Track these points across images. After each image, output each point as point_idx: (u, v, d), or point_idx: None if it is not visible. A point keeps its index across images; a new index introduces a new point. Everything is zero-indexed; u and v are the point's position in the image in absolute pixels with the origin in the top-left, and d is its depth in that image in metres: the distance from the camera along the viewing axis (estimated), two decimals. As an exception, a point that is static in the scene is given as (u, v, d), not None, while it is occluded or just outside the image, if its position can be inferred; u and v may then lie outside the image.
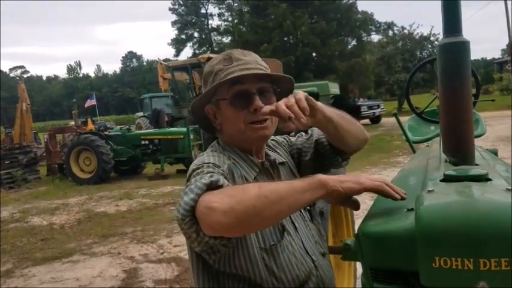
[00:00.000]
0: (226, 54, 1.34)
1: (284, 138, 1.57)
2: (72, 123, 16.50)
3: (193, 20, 54.64)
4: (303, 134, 1.55)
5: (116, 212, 7.82)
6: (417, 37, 33.59)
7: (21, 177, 12.36)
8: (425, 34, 33.67)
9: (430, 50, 33.18)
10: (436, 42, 33.70)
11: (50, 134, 13.61)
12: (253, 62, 1.33)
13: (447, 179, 1.10)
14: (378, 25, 43.89)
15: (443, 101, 1.35)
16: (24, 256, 5.62)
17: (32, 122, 17.83)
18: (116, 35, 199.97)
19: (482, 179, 1.07)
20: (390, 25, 39.99)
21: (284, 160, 1.47)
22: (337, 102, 19.02)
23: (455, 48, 1.33)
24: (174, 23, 54.99)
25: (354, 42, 28.97)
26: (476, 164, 1.35)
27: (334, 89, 17.45)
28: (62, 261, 5.37)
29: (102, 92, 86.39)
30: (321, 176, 1.07)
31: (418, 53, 33.50)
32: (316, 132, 1.51)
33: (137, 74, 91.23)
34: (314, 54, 26.78)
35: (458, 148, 1.35)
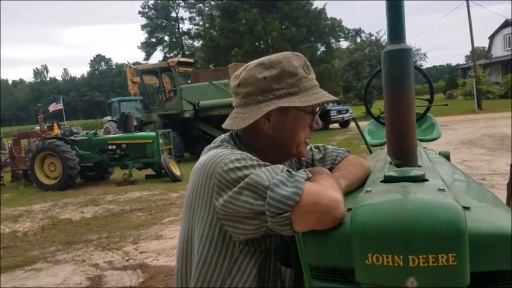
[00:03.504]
0: (304, 60, 1.31)
1: None
2: (38, 128, 16.11)
3: (163, 24, 54.30)
4: (316, 150, 1.52)
5: (80, 219, 7.65)
6: (384, 43, 34.35)
7: (-17, 184, 11.95)
8: (392, 40, 34.47)
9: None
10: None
11: (14, 139, 13.21)
12: None
13: (387, 180, 1.15)
14: (346, 32, 44.70)
15: (388, 106, 1.40)
16: (-16, 265, 5.45)
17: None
18: (83, 37, 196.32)
19: (419, 179, 1.11)
20: (358, 32, 40.79)
21: None
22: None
23: (398, 55, 1.38)
24: (144, 27, 54.52)
25: (323, 48, 29.37)
26: (419, 166, 1.40)
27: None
28: (24, 269, 5.23)
29: (70, 96, 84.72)
30: None
31: (386, 58, 34.24)
32: (329, 160, 1.48)
33: (106, 77, 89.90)
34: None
35: (401, 151, 1.40)
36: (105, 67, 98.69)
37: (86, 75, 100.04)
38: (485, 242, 0.89)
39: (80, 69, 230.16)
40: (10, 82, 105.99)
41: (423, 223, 0.88)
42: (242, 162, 1.12)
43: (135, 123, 16.69)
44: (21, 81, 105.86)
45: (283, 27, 27.09)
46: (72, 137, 12.05)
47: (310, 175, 1.11)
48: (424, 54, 35.61)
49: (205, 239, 1.17)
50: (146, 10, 54.77)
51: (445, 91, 44.41)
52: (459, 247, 0.86)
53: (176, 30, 54.20)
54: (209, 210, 1.16)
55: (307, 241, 1.04)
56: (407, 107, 1.39)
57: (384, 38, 35.76)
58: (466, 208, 0.99)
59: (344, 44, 39.54)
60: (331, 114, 23.77)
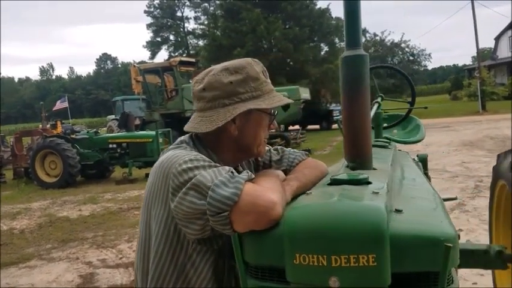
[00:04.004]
0: (262, 66, 1.38)
1: None
2: (47, 126, 16.24)
3: (168, 23, 54.41)
4: (275, 152, 1.56)
5: (78, 217, 7.72)
6: (388, 44, 34.33)
7: (-15, 182, 12.08)
8: (396, 41, 34.48)
9: (401, 56, 34.00)
10: (406, 49, 34.56)
11: (16, 137, 13.33)
12: None
13: (332, 182, 1.18)
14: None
15: (344, 110, 1.44)
16: (-21, 262, 5.52)
17: (3, 125, 17.48)
18: (89, 36, 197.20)
19: (363, 182, 1.15)
20: (363, 31, 40.64)
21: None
22: (308, 107, 19.25)
23: (355, 60, 1.41)
24: (149, 26, 54.68)
25: (326, 48, 29.33)
26: (374, 169, 1.43)
27: (305, 94, 17.65)
28: (18, 267, 5.30)
29: (76, 94, 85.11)
30: None
31: (389, 59, 34.22)
32: (286, 162, 1.52)
33: (112, 76, 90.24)
34: (288, 60, 26.99)
35: (356, 154, 1.43)
36: (111, 66, 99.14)
37: (91, 74, 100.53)
38: (408, 244, 0.92)
39: (86, 68, 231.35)
40: (16, 80, 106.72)
41: (346, 225, 0.91)
42: (195, 163, 1.17)
43: (137, 122, 16.80)
44: (27, 79, 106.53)
45: (287, 26, 27.08)
46: (73, 136, 12.15)
47: (253, 176, 1.15)
48: (429, 55, 35.48)
49: (160, 236, 1.22)
50: (152, 9, 54.99)
51: (450, 92, 44.27)
52: (379, 248, 0.90)
53: (181, 29, 54.39)
54: (165, 209, 1.20)
55: (246, 240, 1.08)
56: (363, 111, 1.42)
57: (389, 38, 35.86)
58: (398, 211, 1.02)
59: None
60: (334, 114, 23.78)
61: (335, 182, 1.17)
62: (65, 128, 14.63)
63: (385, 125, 3.30)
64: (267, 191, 1.09)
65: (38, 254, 5.73)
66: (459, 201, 6.67)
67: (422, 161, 2.52)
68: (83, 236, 6.45)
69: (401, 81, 32.96)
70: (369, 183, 1.15)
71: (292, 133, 16.64)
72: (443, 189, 7.57)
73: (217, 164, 1.19)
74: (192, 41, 48.89)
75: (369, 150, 1.44)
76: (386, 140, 2.42)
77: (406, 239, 0.93)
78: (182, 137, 1.38)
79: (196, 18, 49.61)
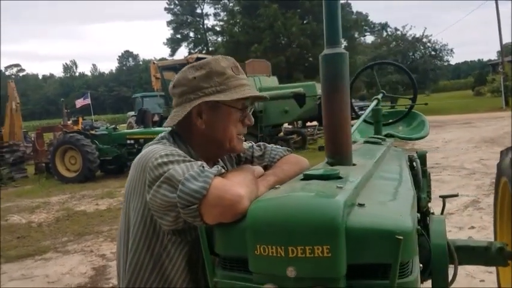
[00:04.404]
0: (232, 62, 1.39)
1: None
2: (68, 122, 16.57)
3: (188, 20, 54.73)
4: (257, 148, 1.60)
5: (94, 211, 7.90)
6: (410, 38, 33.80)
7: (7, 176, 12.43)
8: (417, 35, 33.94)
9: (422, 51, 33.43)
10: (428, 44, 33.98)
11: (37, 133, 13.69)
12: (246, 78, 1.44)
13: (305, 177, 1.21)
14: (372, 26, 44.08)
15: (324, 107, 1.46)
16: (-2, 253, 5.72)
17: (28, 121, 17.93)
18: (112, 34, 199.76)
19: (332, 177, 1.18)
20: (384, 26, 40.17)
21: (227, 168, 1.51)
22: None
23: (334, 58, 1.43)
24: (169, 23, 55.08)
25: (345, 43, 29.10)
26: (354, 164, 1.46)
27: (322, 89, 17.52)
28: (34, 259, 5.47)
29: (99, 91, 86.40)
30: None
31: (411, 53, 33.71)
32: (267, 158, 1.55)
33: (134, 73, 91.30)
34: (305, 55, 26.88)
35: (336, 151, 1.45)
36: (133, 63, 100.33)
37: (114, 71, 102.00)
38: (363, 237, 0.95)
39: (109, 65, 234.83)
40: (40, 77, 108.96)
41: (302, 217, 0.95)
42: (170, 157, 1.21)
43: (156, 118, 16.98)
44: (51, 75, 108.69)
45: (304, 22, 26.95)
46: (92, 132, 12.38)
47: (223, 171, 1.18)
48: (451, 50, 34.71)
49: (137, 227, 1.28)
50: (172, 6, 55.41)
51: (474, 87, 43.38)
52: (334, 240, 0.92)
53: (201, 26, 54.66)
54: (142, 201, 1.26)
55: (216, 232, 1.12)
56: (342, 108, 1.44)
57: (410, 32, 35.35)
58: (360, 205, 1.05)
59: (369, 39, 39.08)
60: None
61: (307, 177, 1.20)
62: (84, 124, 14.89)
63: (390, 120, 3.31)
64: (235, 185, 1.12)
65: (53, 247, 5.90)
66: (474, 199, 6.59)
67: (421, 158, 2.50)
68: (99, 230, 6.61)
69: (422, 76, 32.51)
70: (339, 178, 1.18)
71: (309, 129, 16.58)
72: (459, 186, 7.48)
73: (191, 159, 1.23)
74: (211, 37, 49.12)
75: (349, 146, 1.46)
76: (381, 137, 2.43)
77: (362, 231, 0.95)
78: (163, 133, 1.43)
79: (215, 15, 49.84)
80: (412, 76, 3.02)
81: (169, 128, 1.45)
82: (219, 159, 1.51)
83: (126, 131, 14.24)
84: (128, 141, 11.89)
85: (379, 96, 2.93)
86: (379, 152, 1.91)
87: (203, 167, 1.17)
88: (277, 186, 1.19)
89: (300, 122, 17.60)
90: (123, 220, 1.36)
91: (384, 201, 1.17)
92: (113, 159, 11.97)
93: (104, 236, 6.26)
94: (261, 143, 1.61)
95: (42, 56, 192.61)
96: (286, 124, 16.77)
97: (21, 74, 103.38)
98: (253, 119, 1.45)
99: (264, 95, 1.46)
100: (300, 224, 0.95)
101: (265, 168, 1.50)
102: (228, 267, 1.11)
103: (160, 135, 1.43)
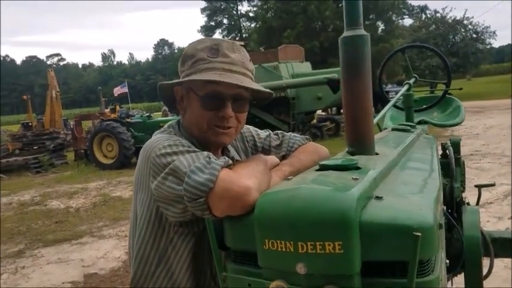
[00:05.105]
0: (214, 44, 1.27)
1: (252, 133, 1.53)
2: (106, 110, 17.01)
3: (222, 6, 54.61)
4: (275, 137, 1.51)
5: (130, 197, 8.06)
6: (450, 21, 32.53)
7: (48, 162, 12.88)
8: (458, 18, 32.63)
9: (463, 34, 32.13)
10: (469, 26, 32.60)
11: (76, 121, 14.09)
12: (239, 64, 1.27)
13: (321, 168, 1.15)
14: (410, 8, 42.71)
15: (344, 93, 1.38)
16: (37, 238, 5.93)
17: (69, 109, 18.53)
18: (148, 22, 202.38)
19: (351, 168, 1.11)
20: (423, 9, 38.82)
21: (240, 158, 1.47)
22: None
23: (354, 41, 1.35)
24: (203, 10, 55.17)
25: (382, 26, 28.30)
26: (377, 154, 1.38)
27: (357, 75, 17.15)
28: (71, 243, 5.65)
29: (136, 79, 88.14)
30: None
31: (451, 37, 32.48)
32: (285, 147, 1.47)
33: (169, 61, 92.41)
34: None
35: (357, 138, 1.37)
36: (168, 51, 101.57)
37: (150, 60, 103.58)
38: (379, 232, 0.88)
39: (145, 54, 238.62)
40: (80, 66, 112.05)
41: (312, 211, 0.89)
42: (174, 148, 1.16)
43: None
44: (91, 64, 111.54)
45: (339, 5, 26.31)
46: (128, 119, 12.63)
47: (230, 162, 1.13)
48: (494, 32, 33.08)
49: (143, 219, 1.24)
50: (206, -7, 55.36)
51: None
52: (346, 236, 0.86)
53: (234, 12, 54.44)
54: (147, 192, 1.22)
55: (226, 225, 1.08)
56: (363, 94, 1.36)
57: (451, 14, 33.99)
58: (378, 198, 0.98)
59: (407, 21, 37.84)
60: (390, 96, 22.98)
61: (323, 168, 1.14)
62: (120, 112, 15.21)
63: (424, 106, 3.17)
64: (243, 176, 1.07)
65: (90, 231, 6.07)
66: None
67: (455, 145, 2.37)
68: (133, 215, 6.74)
69: (463, 60, 31.29)
70: (357, 168, 1.11)
71: (343, 116, 16.33)
72: (499, 174, 7.18)
73: (196, 150, 1.18)
74: (245, 23, 48.91)
75: (370, 134, 1.38)
76: (410, 124, 2.31)
77: (377, 226, 0.89)
78: (171, 122, 1.39)
79: (249, 0, 49.44)
80: (445, 59, 2.88)
81: None
82: (229, 150, 1.45)
83: (159, 118, 14.45)
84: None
85: (411, 81, 2.80)
86: (406, 139, 1.81)
87: (209, 158, 1.12)
88: (289, 177, 1.12)
89: (333, 108, 17.35)
90: (132, 212, 1.34)
91: (405, 194, 1.09)
92: (148, 146, 12.15)
93: (137, 222, 6.38)
94: (279, 132, 1.54)
95: (81, 45, 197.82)
96: (320, 111, 16.56)
97: (61, 63, 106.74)
98: (228, 111, 1.25)
99: (256, 88, 1.27)
100: (309, 218, 0.89)
101: (283, 158, 1.43)
102: (238, 260, 1.07)
103: (167, 123, 1.40)
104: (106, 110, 16.96)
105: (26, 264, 4.98)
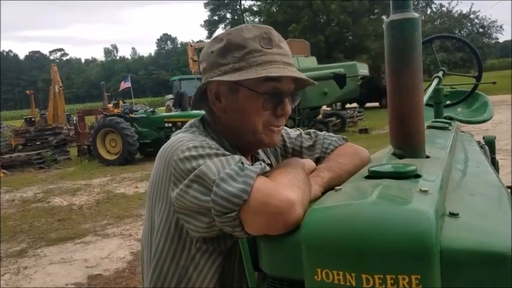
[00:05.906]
0: (264, 32, 1.09)
1: (282, 134, 1.33)
2: (109, 105, 16.83)
3: (225, 1, 54.30)
4: (307, 137, 1.34)
5: (134, 194, 7.91)
6: (456, 15, 32.19)
7: (50, 158, 12.73)
8: (464, 12, 32.29)
9: (469, 28, 31.81)
10: (475, 20, 32.26)
11: (78, 116, 13.93)
12: (290, 55, 1.13)
13: (371, 175, 0.97)
14: (416, 3, 42.31)
15: (390, 86, 1.20)
16: (40, 236, 5.77)
17: (72, 104, 18.42)
18: (150, 17, 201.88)
19: (409, 176, 0.92)
20: (429, 2, 38.41)
21: (270, 162, 1.30)
22: (367, 83, 18.53)
23: (403, 25, 1.17)
24: (206, 4, 54.88)
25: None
26: (427, 157, 1.19)
27: (363, 69, 16.91)
28: (74, 242, 5.48)
29: (139, 74, 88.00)
30: None
31: (457, 31, 32.14)
32: (319, 148, 1.29)
33: (172, 56, 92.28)
34: (346, 34, 26.04)
35: (405, 139, 1.18)
36: (171, 46, 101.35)
37: (153, 54, 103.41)
38: (464, 260, 0.70)
39: (148, 48, 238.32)
40: (83, 61, 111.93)
41: (380, 235, 0.70)
42: (199, 150, 0.98)
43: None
44: (93, 59, 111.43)
45: (344, -1, 26.11)
46: (131, 115, 12.45)
47: (268, 169, 0.94)
48: (501, 27, 32.69)
49: (161, 232, 1.06)
50: (209, -13, 55.00)
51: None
52: (425, 267, 0.68)
53: (238, 7, 54.07)
54: (166, 202, 1.04)
55: (261, 246, 0.90)
56: (413, 86, 1.17)
57: (457, 8, 33.67)
58: (453, 215, 0.80)
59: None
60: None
61: (374, 175, 0.95)
62: (123, 108, 15.00)
63: (448, 102, 2.97)
64: (283, 187, 0.88)
65: (93, 230, 5.91)
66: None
67: (490, 144, 2.19)
68: (138, 213, 6.58)
69: (469, 55, 30.95)
70: (418, 176, 0.93)
71: (349, 111, 16.13)
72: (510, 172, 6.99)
73: (226, 152, 0.99)
74: (248, 18, 48.55)
75: (421, 134, 1.19)
76: (447, 121, 2.13)
77: (462, 253, 0.70)
78: (192, 120, 1.19)
79: (252, -5, 49.09)
80: (476, 51, 2.69)
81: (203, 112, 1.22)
82: (259, 152, 1.26)
83: (163, 114, 14.25)
84: (166, 125, 11.89)
85: (440, 74, 2.60)
86: (448, 139, 1.62)
87: (242, 163, 0.93)
88: (336, 187, 0.93)
89: (338, 104, 17.16)
90: (147, 220, 1.15)
91: (479, 208, 0.91)
92: (152, 142, 12.00)
93: (142, 220, 6.20)
94: (311, 131, 1.34)
95: (84, 40, 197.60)
96: (325, 106, 16.35)
97: (64, 59, 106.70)
98: (288, 108, 1.12)
99: (310, 80, 1.15)
100: (377, 245, 0.70)
101: (317, 161, 1.24)
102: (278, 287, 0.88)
103: (189, 122, 1.20)
104: (109, 105, 16.76)
105: (29, 264, 4.82)
